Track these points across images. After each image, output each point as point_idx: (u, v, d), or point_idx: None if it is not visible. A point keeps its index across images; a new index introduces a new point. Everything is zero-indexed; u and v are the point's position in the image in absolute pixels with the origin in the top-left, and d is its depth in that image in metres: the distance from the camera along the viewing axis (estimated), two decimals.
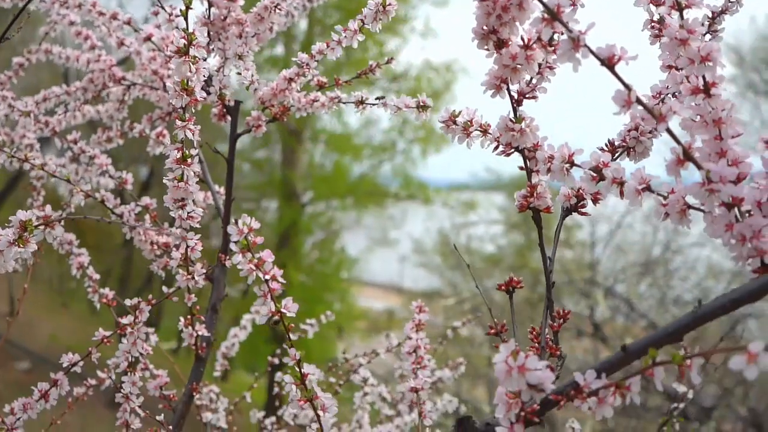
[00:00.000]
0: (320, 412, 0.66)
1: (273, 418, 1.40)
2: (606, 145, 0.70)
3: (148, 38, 1.08)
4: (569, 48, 0.51)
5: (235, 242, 0.62)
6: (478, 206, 10.51)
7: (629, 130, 0.69)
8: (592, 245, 7.35)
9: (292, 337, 1.40)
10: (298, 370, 0.66)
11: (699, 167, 0.52)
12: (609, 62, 0.52)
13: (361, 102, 0.97)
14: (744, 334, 6.30)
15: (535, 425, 0.58)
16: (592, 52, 0.51)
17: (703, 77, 0.54)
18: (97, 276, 1.13)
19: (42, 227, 0.68)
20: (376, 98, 0.93)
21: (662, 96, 0.70)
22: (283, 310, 0.65)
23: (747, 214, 0.53)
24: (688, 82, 0.55)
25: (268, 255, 0.64)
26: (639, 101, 0.51)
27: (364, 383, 1.35)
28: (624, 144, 0.69)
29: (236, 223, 0.62)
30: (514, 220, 10.42)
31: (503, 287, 0.69)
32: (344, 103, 0.99)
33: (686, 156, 0.53)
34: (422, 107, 0.84)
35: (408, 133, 12.46)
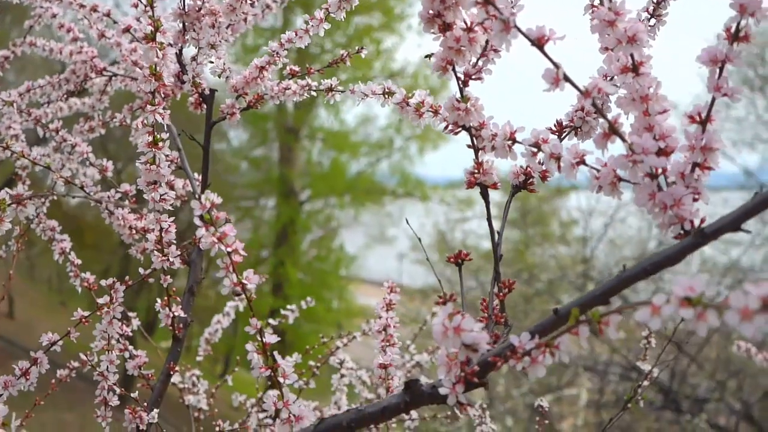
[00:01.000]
0: (281, 379, 0.69)
1: (253, 400, 1.43)
2: (554, 125, 0.73)
3: (127, 30, 1.12)
4: (500, 29, 0.54)
5: (199, 216, 0.66)
6: (475, 203, 10.56)
7: (576, 111, 0.72)
8: (584, 240, 7.38)
9: (272, 322, 1.42)
10: (260, 339, 0.70)
11: (623, 140, 0.56)
12: (539, 42, 0.55)
13: (330, 89, 1.00)
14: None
15: (477, 387, 0.62)
16: (522, 32, 0.55)
17: (631, 56, 0.58)
18: (78, 261, 1.16)
19: (14, 205, 0.72)
20: (341, 85, 0.97)
21: (608, 78, 0.74)
22: (244, 281, 0.68)
23: (673, 185, 0.56)
24: (618, 61, 0.59)
25: (230, 229, 0.67)
26: (566, 78, 0.55)
27: (341, 366, 1.39)
28: (571, 124, 0.73)
29: (199, 198, 0.66)
30: (512, 216, 10.47)
31: (452, 259, 0.72)
32: (315, 91, 1.02)
33: (612, 130, 0.56)
34: (388, 93, 0.87)
35: (405, 131, 12.50)
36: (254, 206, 11.79)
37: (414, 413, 1.25)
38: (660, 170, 0.55)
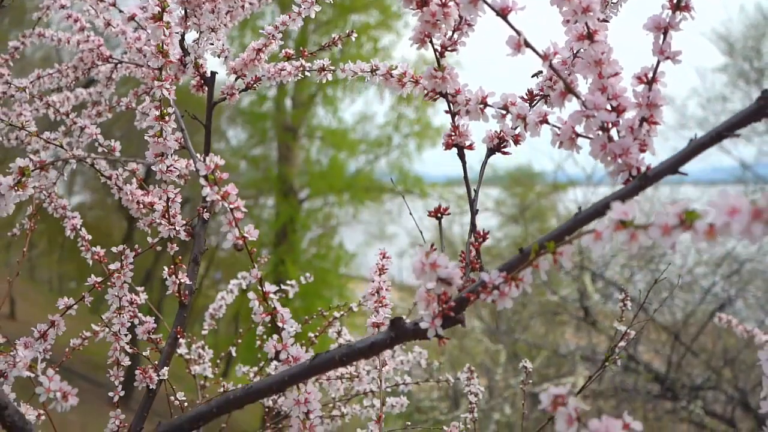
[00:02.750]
0: (280, 324, 0.77)
1: (255, 368, 1.51)
2: (526, 93, 0.81)
3: (132, 18, 1.19)
4: (468, 2, 0.62)
5: (204, 176, 0.73)
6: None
7: (546, 80, 0.80)
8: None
9: (274, 297, 1.50)
10: (260, 288, 0.77)
11: (578, 97, 0.63)
12: (503, 12, 0.62)
13: (322, 69, 1.08)
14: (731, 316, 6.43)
15: (455, 323, 0.69)
16: (487, 3, 0.62)
17: (586, 25, 0.65)
18: (89, 236, 1.23)
19: (38, 171, 0.79)
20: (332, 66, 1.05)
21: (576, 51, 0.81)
22: (246, 235, 0.75)
23: (623, 138, 0.64)
24: (576, 31, 0.66)
25: (231, 188, 0.75)
26: (527, 44, 0.62)
27: (339, 335, 1.47)
28: (541, 92, 0.80)
29: (204, 160, 0.73)
30: (511, 212, 10.54)
31: (432, 214, 0.79)
32: (308, 71, 1.10)
33: (567, 89, 0.64)
34: (374, 71, 0.94)
35: (403, 128, 12.57)
36: (253, 205, 11.86)
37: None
38: (611, 124, 0.63)
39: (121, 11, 1.23)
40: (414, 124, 12.40)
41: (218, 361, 1.55)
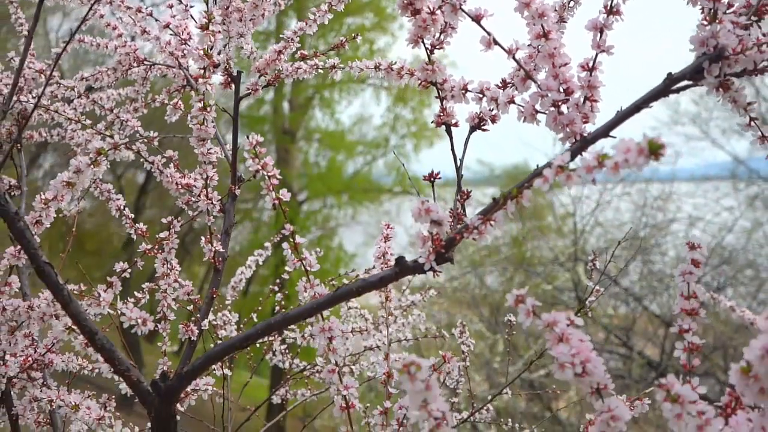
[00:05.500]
0: (308, 267, 0.97)
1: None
2: (500, 81, 1.01)
3: (167, 26, 1.39)
4: (450, 11, 0.82)
5: (247, 151, 0.93)
6: (471, 199, 10.82)
7: (514, 70, 0.99)
8: (574, 225, 7.66)
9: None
10: (292, 240, 0.97)
11: (535, 82, 0.83)
12: (477, 18, 0.82)
13: (333, 67, 1.28)
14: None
15: (445, 261, 0.89)
16: (465, 12, 0.82)
17: (542, 26, 0.85)
18: (132, 215, 1.43)
19: (112, 150, 0.98)
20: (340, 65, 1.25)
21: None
22: (280, 196, 0.95)
23: (570, 112, 0.84)
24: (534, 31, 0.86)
25: (269, 160, 0.95)
26: (496, 42, 0.82)
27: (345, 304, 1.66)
28: (512, 80, 1.00)
29: (247, 137, 0.93)
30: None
31: (427, 178, 0.99)
32: (320, 69, 1.30)
33: (527, 75, 0.84)
34: (377, 67, 1.14)
35: (400, 129, 12.77)
36: (253, 208, 12.05)
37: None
38: (561, 102, 0.83)
39: (156, 20, 1.43)
40: (411, 124, 12.62)
41: (242, 325, 1.75)
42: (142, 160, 1.34)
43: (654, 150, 0.59)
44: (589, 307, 1.37)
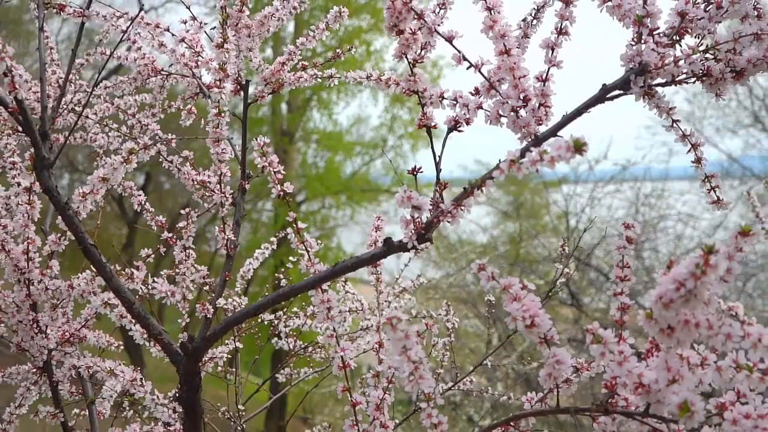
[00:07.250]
0: (309, 248, 1.14)
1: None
2: (473, 90, 1.18)
3: (182, 40, 1.56)
4: (427, 32, 0.99)
5: (255, 150, 1.10)
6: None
7: (483, 81, 1.17)
8: (567, 219, 7.84)
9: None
10: (295, 225, 1.14)
11: (497, 91, 1.01)
12: (449, 38, 1.00)
13: (331, 76, 1.45)
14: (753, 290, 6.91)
15: (426, 241, 1.06)
16: (439, 33, 0.99)
17: (503, 44, 1.02)
18: (152, 209, 1.60)
19: (142, 150, 1.16)
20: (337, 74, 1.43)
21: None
22: (284, 189, 1.13)
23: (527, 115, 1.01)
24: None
25: (275, 158, 1.12)
26: (464, 58, 1.00)
27: (343, 288, 1.83)
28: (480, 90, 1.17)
29: (255, 139, 1.10)
30: (506, 210, 10.94)
31: (411, 172, 1.17)
32: (320, 78, 1.47)
33: (491, 86, 1.01)
34: (369, 77, 1.32)
35: (398, 130, 12.94)
36: (252, 209, 12.21)
37: None
38: (519, 108, 1.00)
39: (173, 35, 1.60)
40: (408, 125, 12.79)
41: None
42: (161, 159, 1.51)
43: (578, 147, 0.77)
44: (560, 288, 1.53)
